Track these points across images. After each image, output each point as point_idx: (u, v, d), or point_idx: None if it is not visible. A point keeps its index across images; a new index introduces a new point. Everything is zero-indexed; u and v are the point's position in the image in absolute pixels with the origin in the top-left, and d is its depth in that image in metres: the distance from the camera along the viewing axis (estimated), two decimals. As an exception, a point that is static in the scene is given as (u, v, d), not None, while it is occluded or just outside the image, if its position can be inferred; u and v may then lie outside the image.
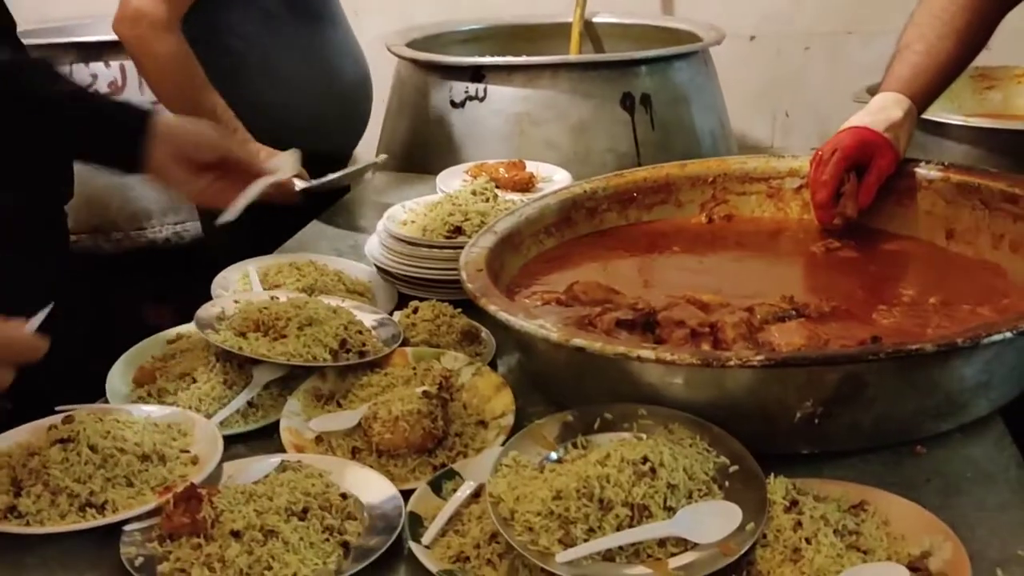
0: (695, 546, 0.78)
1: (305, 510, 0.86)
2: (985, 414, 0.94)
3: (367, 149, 2.24)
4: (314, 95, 1.81)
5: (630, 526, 0.79)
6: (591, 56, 1.94)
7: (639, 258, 1.35)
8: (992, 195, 1.21)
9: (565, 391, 1.05)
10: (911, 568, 0.73)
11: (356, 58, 1.94)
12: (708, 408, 0.91)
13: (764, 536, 0.78)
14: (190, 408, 1.08)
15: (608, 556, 0.78)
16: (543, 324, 0.97)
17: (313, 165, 1.78)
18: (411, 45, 2.19)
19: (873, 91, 2.24)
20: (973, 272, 1.21)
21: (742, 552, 0.75)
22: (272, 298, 1.24)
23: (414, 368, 1.12)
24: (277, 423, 1.07)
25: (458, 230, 1.39)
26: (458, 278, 1.32)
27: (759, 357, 0.84)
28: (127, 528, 0.87)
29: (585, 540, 0.78)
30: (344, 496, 0.91)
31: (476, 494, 0.90)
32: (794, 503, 0.80)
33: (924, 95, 1.33)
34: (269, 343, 1.13)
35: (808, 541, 0.76)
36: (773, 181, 1.44)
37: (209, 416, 1.07)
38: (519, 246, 1.32)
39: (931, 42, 1.33)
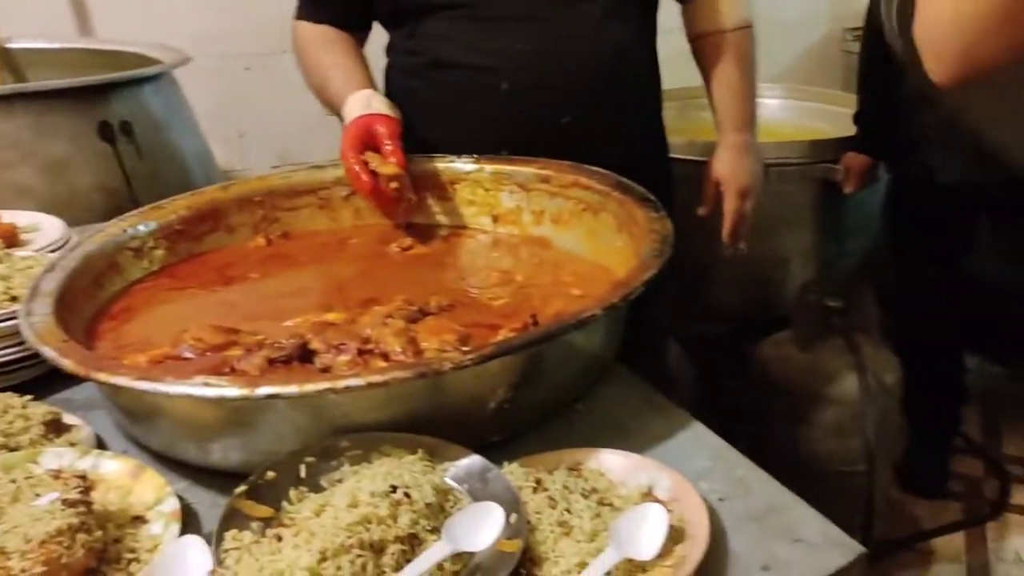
0: (472, 555, 0.76)
1: None
2: (611, 363, 1.08)
3: None
4: None
5: (407, 561, 0.74)
6: (56, 83, 1.68)
7: (218, 292, 1.23)
8: (526, 178, 1.37)
9: (221, 452, 0.93)
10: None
11: None
12: (405, 422, 0.88)
13: (528, 522, 0.79)
14: None
15: (400, 599, 0.72)
16: (208, 382, 0.84)
17: None
18: None
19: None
20: (527, 248, 1.35)
21: (523, 544, 0.76)
22: None
23: (14, 480, 0.87)
24: None
25: (-21, 303, 1.11)
26: (-8, 362, 1.08)
27: (470, 356, 0.84)
28: None
29: (371, 593, 0.71)
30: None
31: (189, 598, 0.75)
32: (538, 482, 0.83)
33: None
34: None
35: (568, 511, 0.80)
36: (321, 192, 1.43)
37: None
38: (74, 305, 1.11)
39: (338, 53, 1.46)
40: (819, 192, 2.36)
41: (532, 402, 0.95)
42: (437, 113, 1.43)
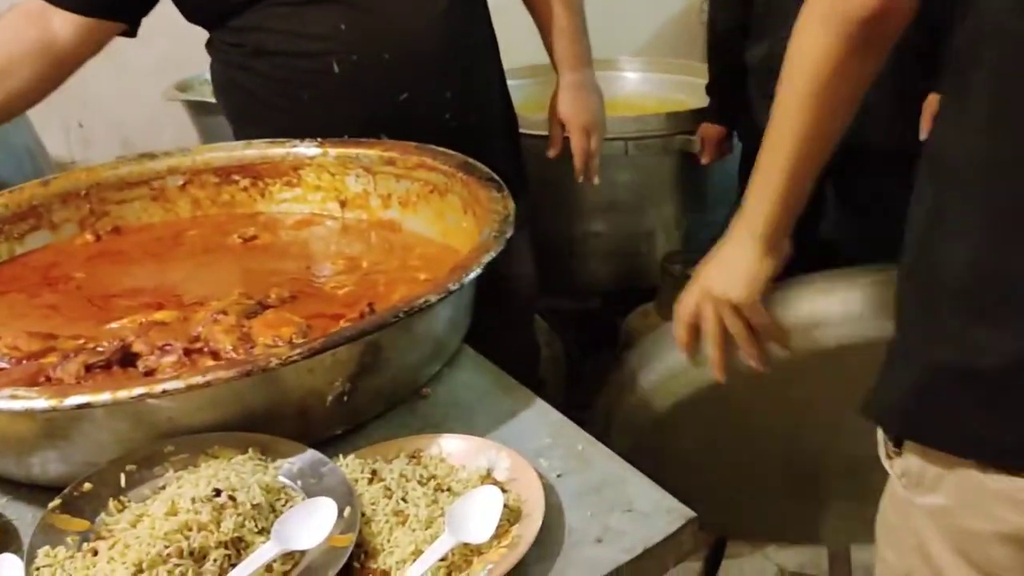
0: (304, 554, 0.74)
1: None
2: (459, 346, 1.07)
3: None
4: None
5: (232, 566, 0.71)
6: None
7: (41, 296, 1.16)
8: (372, 161, 1.33)
9: (39, 466, 0.87)
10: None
11: None
12: (239, 422, 0.85)
13: (363, 515, 0.77)
14: None
15: (226, 606, 0.69)
16: (16, 393, 0.78)
17: None
18: None
19: (181, 86, 2.27)
20: (377, 232, 1.32)
21: (354, 538, 0.74)
22: None
23: None
24: None
25: None
26: None
27: (297, 351, 0.81)
28: None
29: (194, 603, 0.68)
30: None
31: (2, 623, 0.71)
32: (374, 472, 0.81)
33: None
34: None
35: (404, 500, 0.78)
36: (155, 183, 1.36)
37: None
38: None
39: None
40: (679, 164, 2.40)
41: (374, 391, 0.93)
42: (269, 104, 1.37)
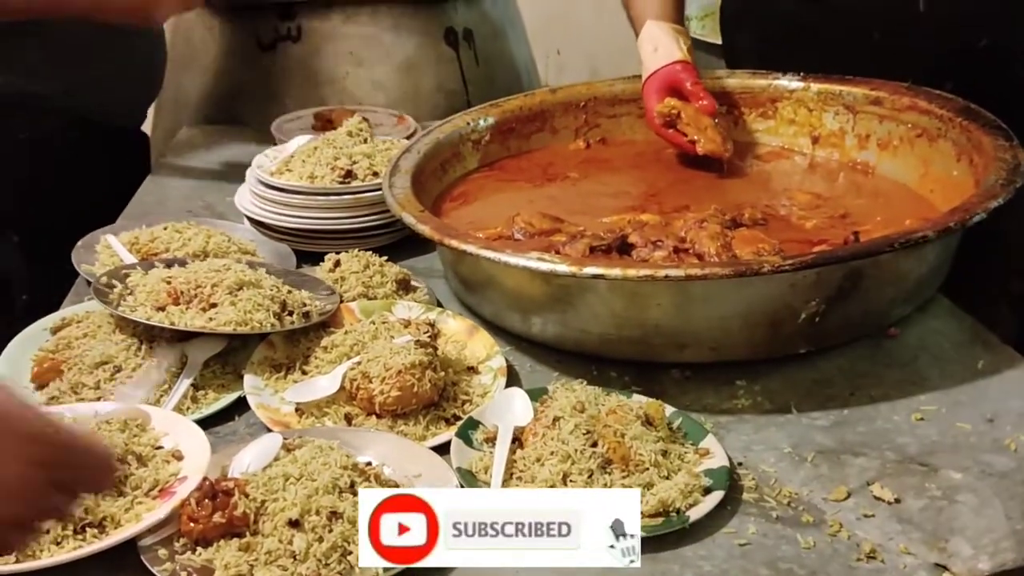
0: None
1: (352, 484, 0.77)
2: (933, 294, 1.05)
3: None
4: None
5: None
6: (413, -10, 1.85)
7: (542, 187, 1.33)
8: (855, 99, 1.32)
9: (540, 325, 1.02)
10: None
11: None
12: (717, 323, 0.93)
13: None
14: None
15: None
16: (543, 257, 0.93)
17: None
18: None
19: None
20: (846, 173, 1.32)
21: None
22: (167, 265, 1.08)
23: (373, 322, 1.02)
24: (233, 403, 0.95)
25: (349, 174, 1.29)
26: (352, 227, 1.27)
27: (789, 261, 0.87)
28: (144, 543, 0.73)
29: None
30: (369, 464, 0.83)
31: (514, 439, 0.86)
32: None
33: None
34: (200, 314, 0.98)
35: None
36: (641, 103, 1.47)
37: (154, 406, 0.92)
38: (424, 184, 1.25)
39: None
40: None
41: (844, 319, 0.95)
42: (813, 41, 1.33)
